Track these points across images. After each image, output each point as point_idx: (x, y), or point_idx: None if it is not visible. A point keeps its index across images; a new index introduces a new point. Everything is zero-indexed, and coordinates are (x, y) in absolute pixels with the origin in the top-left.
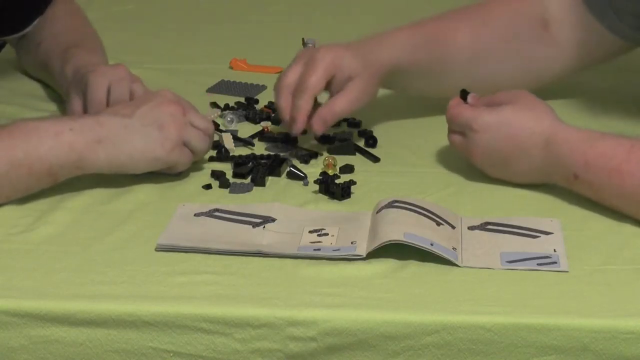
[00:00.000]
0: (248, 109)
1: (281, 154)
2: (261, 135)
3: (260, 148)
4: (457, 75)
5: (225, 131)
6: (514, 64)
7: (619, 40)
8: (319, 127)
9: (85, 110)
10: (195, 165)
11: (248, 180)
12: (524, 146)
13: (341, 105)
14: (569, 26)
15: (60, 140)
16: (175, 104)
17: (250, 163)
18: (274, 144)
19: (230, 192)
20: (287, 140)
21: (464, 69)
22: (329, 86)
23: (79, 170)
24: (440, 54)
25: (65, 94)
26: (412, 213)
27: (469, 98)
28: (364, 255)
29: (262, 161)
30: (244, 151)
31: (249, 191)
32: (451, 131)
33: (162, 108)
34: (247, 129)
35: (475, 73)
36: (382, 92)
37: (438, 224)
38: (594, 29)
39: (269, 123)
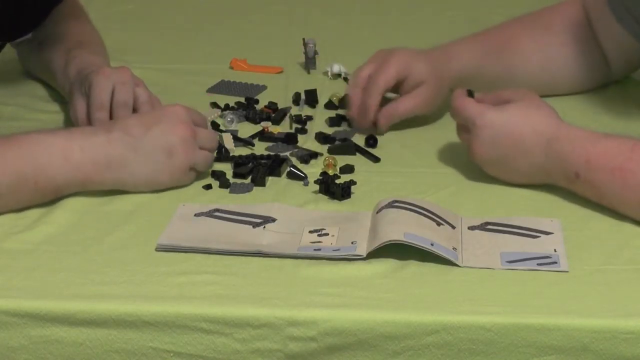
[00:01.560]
0: (248, 109)
1: (281, 154)
2: (261, 135)
3: (260, 148)
4: (524, 83)
5: (226, 131)
6: (574, 69)
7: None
8: (383, 123)
9: (88, 112)
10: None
11: (248, 180)
12: (527, 144)
13: (405, 106)
14: (604, 30)
15: (69, 161)
16: (186, 125)
17: (250, 163)
18: (274, 144)
19: (230, 192)
20: (287, 140)
21: (530, 77)
22: (400, 88)
23: (83, 189)
24: (507, 62)
25: (67, 94)
26: (412, 213)
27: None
28: (364, 255)
29: (262, 161)
30: (244, 151)
31: (249, 191)
32: (457, 125)
33: (173, 131)
34: (247, 129)
35: (540, 80)
36: None
37: (438, 224)
38: (619, 32)
39: (269, 123)
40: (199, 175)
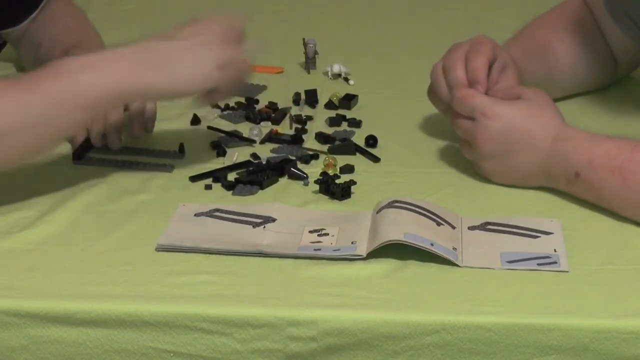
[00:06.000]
0: (248, 109)
1: (285, 157)
2: (269, 137)
3: (265, 149)
4: (561, 84)
5: (229, 133)
6: (594, 67)
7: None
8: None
9: None
10: (196, 166)
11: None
12: (533, 139)
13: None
14: (606, 29)
15: (96, 71)
16: (217, 22)
17: (259, 173)
18: (280, 145)
19: (233, 194)
20: (293, 142)
21: (564, 77)
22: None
23: (120, 98)
24: (546, 64)
25: None
26: (412, 213)
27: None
28: (364, 255)
29: (267, 164)
30: (244, 152)
31: (253, 194)
32: (456, 115)
33: (203, 28)
34: (247, 129)
35: (572, 80)
36: (382, 92)
37: (438, 224)
38: (619, 32)
39: (269, 123)
40: (235, 91)
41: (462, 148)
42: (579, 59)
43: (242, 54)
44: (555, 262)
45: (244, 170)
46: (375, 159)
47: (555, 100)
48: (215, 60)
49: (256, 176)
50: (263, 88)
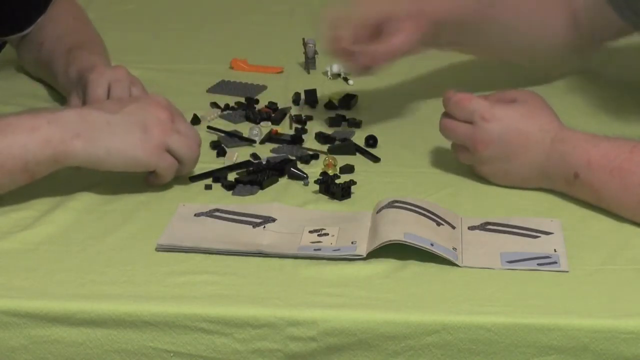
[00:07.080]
0: (248, 109)
1: (285, 157)
2: (269, 137)
3: (265, 149)
4: (513, 40)
5: (229, 133)
6: (545, 37)
7: (630, 28)
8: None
9: None
10: (196, 166)
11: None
12: (531, 141)
13: (400, 41)
14: (591, 13)
15: (36, 136)
16: (164, 108)
17: (259, 173)
18: (280, 146)
19: (233, 194)
20: (293, 142)
21: (518, 33)
22: (382, 29)
23: (57, 164)
24: (500, 14)
25: (68, 95)
26: (412, 213)
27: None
28: (364, 255)
29: (267, 164)
30: (244, 152)
31: (252, 194)
32: (449, 117)
33: (149, 110)
34: (247, 129)
35: (525, 38)
36: (382, 91)
37: (438, 224)
38: (609, 17)
39: (269, 123)
40: (186, 172)
41: (459, 153)
42: (537, 21)
43: (181, 142)
44: (555, 262)
45: (244, 170)
46: (375, 159)
47: (554, 97)
48: (149, 143)
49: (256, 176)
50: (263, 88)
